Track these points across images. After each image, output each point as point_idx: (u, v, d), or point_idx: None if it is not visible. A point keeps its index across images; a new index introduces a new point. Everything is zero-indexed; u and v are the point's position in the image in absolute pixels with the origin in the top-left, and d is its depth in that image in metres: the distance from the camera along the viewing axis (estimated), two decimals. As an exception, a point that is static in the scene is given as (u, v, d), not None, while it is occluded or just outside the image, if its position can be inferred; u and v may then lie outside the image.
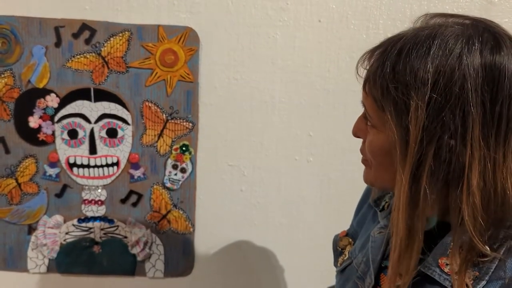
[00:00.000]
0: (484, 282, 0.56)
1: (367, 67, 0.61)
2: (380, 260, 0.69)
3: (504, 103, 0.53)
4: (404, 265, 0.59)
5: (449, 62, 0.53)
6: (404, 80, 0.54)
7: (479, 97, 0.52)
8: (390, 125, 0.56)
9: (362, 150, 0.66)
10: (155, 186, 1.18)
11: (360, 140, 0.67)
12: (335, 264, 0.81)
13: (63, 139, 1.15)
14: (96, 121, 1.15)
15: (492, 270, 0.56)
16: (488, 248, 0.55)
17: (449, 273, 0.58)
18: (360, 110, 0.65)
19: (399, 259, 0.58)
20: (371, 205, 0.76)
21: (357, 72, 0.62)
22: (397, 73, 0.55)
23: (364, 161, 0.66)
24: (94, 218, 1.19)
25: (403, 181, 0.56)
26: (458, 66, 0.53)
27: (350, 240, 0.80)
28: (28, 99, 1.13)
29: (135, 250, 1.19)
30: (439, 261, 0.59)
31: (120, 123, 1.15)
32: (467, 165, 0.54)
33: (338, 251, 0.81)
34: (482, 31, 0.55)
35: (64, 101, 1.14)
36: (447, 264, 0.59)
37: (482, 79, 0.53)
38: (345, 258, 0.77)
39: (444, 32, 0.55)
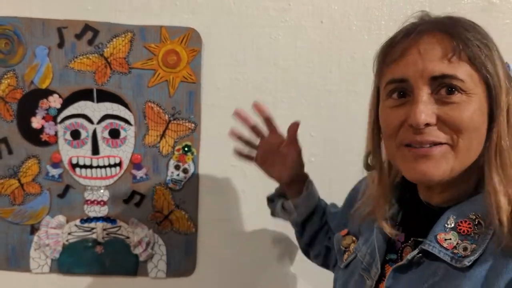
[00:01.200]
0: (480, 251, 0.61)
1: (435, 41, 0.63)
2: (385, 251, 0.71)
3: None
4: None
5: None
6: (482, 39, 0.63)
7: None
8: (484, 74, 0.62)
9: (434, 135, 0.61)
10: (157, 187, 1.18)
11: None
12: (339, 263, 0.81)
13: (65, 139, 1.16)
14: (99, 122, 1.15)
15: (487, 241, 0.61)
16: None
17: (448, 248, 0.62)
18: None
19: None
20: None
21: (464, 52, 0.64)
22: (476, 33, 0.63)
23: (441, 149, 0.62)
24: (96, 219, 1.19)
25: (501, 122, 0.62)
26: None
27: (354, 238, 0.81)
28: (31, 100, 1.14)
29: (137, 251, 1.19)
30: (438, 237, 0.63)
31: (122, 123, 1.16)
32: None
33: (342, 250, 0.81)
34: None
35: (67, 102, 1.14)
36: (445, 240, 0.63)
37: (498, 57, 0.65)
38: (350, 254, 0.79)
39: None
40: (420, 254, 0.64)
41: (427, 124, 0.60)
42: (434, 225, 0.65)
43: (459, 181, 0.65)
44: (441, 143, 0.61)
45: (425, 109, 0.60)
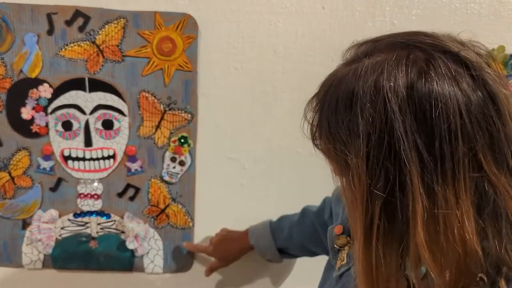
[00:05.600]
0: None
1: (311, 116, 0.58)
2: None
3: (443, 138, 0.46)
4: None
5: (377, 109, 0.48)
6: (339, 136, 0.51)
7: (411, 142, 0.46)
8: (337, 180, 0.54)
9: None
10: (153, 180, 1.15)
11: None
12: (333, 263, 0.77)
13: (57, 131, 1.12)
14: (91, 112, 1.11)
15: None
16: None
17: None
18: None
19: None
20: None
21: (306, 117, 0.59)
22: (332, 129, 0.52)
23: None
24: (90, 213, 1.15)
25: (357, 245, 0.51)
26: (384, 111, 0.47)
27: (348, 239, 0.76)
28: (20, 90, 1.10)
29: (132, 245, 1.16)
30: None
31: (116, 114, 1.12)
32: (410, 220, 0.47)
33: (335, 249, 0.77)
34: (406, 59, 0.49)
35: (58, 92, 1.10)
36: None
37: (411, 120, 0.47)
38: (343, 263, 0.74)
39: (366, 71, 0.50)
40: None
41: None
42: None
43: None
44: None
45: None
